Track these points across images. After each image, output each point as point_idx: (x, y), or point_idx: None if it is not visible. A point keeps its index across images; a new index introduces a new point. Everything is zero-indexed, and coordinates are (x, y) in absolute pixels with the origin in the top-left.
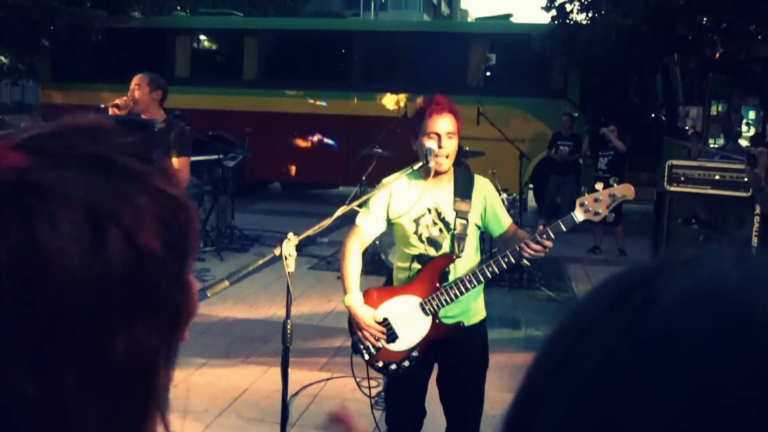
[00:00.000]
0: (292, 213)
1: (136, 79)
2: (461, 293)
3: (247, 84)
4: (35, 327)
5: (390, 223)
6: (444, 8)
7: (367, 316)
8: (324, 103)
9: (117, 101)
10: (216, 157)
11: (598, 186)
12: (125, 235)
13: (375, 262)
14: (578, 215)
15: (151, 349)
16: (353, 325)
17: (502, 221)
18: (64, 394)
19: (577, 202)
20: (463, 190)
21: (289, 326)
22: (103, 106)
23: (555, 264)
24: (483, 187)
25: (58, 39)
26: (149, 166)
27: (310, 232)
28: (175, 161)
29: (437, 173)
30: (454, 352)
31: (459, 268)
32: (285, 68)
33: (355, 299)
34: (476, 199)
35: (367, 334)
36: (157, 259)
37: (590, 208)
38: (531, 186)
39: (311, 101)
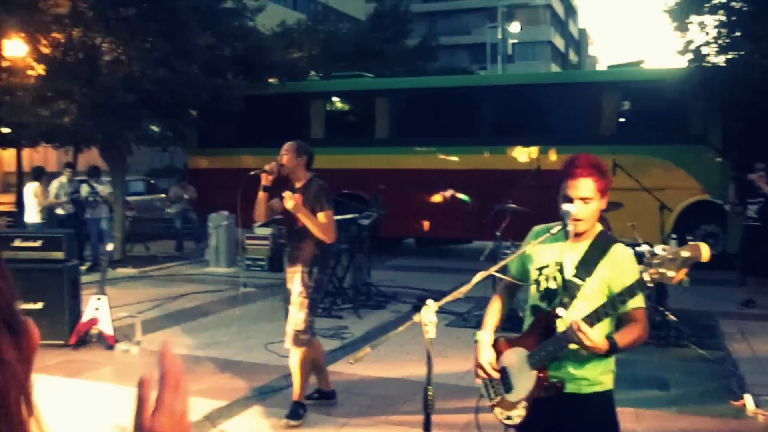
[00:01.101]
0: (427, 269)
1: (285, 146)
2: (553, 352)
3: (379, 143)
4: None
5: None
6: (572, 56)
7: (484, 354)
8: (456, 158)
9: (266, 167)
10: (352, 216)
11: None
12: None
13: (512, 319)
14: (647, 277)
15: None
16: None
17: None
18: None
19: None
20: (594, 254)
21: (430, 393)
22: (252, 173)
23: (705, 319)
24: (616, 258)
25: (203, 108)
26: None
27: (449, 299)
28: (320, 216)
29: (576, 235)
30: (567, 420)
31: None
32: (416, 126)
33: (483, 336)
34: (603, 266)
35: (480, 372)
36: None
37: (661, 270)
38: (674, 237)
39: (442, 157)
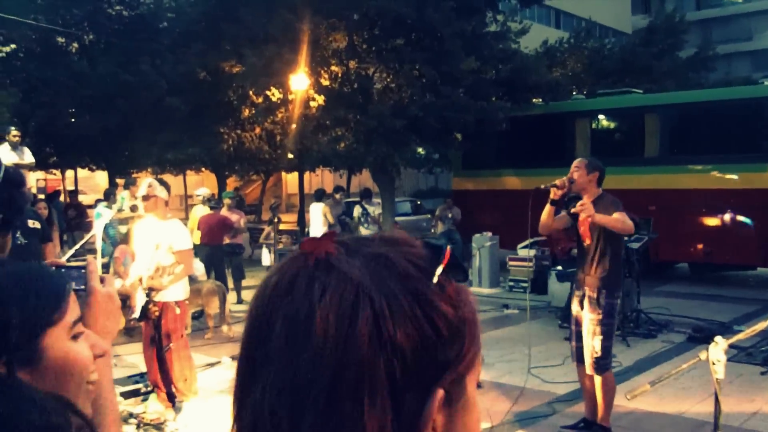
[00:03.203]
0: (702, 297)
1: (576, 162)
2: None
3: (649, 162)
4: (294, 364)
5: None
6: None
7: None
8: (736, 177)
9: (556, 182)
10: (625, 238)
11: None
12: (374, 317)
13: None
14: None
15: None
16: None
17: None
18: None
19: None
20: None
21: None
22: (543, 186)
23: None
24: None
25: (468, 131)
26: (426, 276)
27: (742, 336)
28: (615, 215)
29: None
30: None
31: None
32: (690, 143)
33: None
34: None
35: None
36: (396, 348)
37: None
38: None
39: (721, 176)
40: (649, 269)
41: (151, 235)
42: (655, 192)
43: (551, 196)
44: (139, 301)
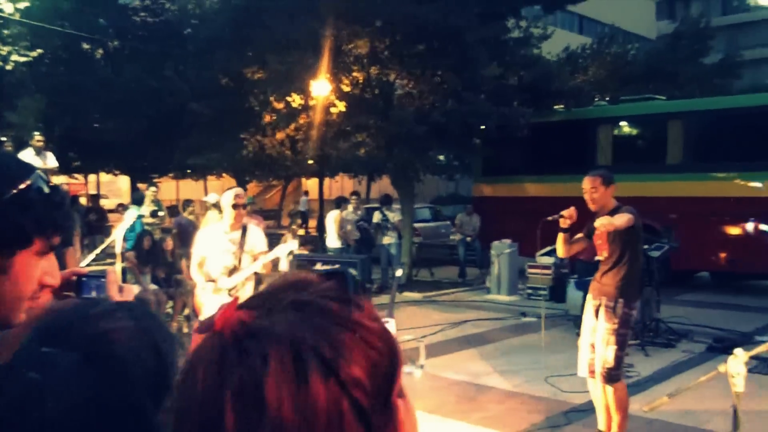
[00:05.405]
0: (724, 306)
1: (589, 181)
2: None
3: (672, 169)
4: None
5: None
6: None
7: None
8: (760, 185)
9: (564, 213)
10: (645, 247)
11: None
12: (325, 365)
13: None
14: None
15: None
16: None
17: None
18: None
19: None
20: None
21: None
22: (550, 218)
23: None
24: None
25: (489, 137)
26: (346, 304)
27: (764, 348)
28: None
29: None
30: None
31: None
32: (714, 150)
33: None
34: None
35: None
36: (360, 385)
37: None
38: None
39: (745, 184)
40: (670, 277)
41: (228, 239)
42: (677, 200)
43: (561, 225)
44: (209, 303)
